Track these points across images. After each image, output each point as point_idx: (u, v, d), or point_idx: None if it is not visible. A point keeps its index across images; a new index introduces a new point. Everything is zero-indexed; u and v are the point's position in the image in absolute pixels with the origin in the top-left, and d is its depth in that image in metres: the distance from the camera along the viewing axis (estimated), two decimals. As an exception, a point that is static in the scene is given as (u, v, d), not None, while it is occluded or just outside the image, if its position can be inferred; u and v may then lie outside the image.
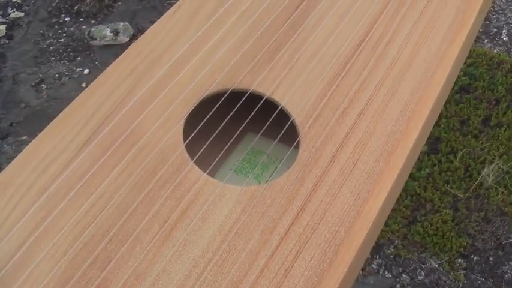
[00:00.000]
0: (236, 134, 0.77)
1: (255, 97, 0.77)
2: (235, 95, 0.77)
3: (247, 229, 0.65)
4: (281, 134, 0.75)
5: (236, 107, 0.76)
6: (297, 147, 0.72)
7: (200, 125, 0.75)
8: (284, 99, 0.76)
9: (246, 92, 0.77)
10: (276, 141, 0.76)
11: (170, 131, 0.74)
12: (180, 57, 0.81)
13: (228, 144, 0.77)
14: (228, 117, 0.76)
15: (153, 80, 0.79)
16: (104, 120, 0.75)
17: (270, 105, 0.76)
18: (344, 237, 0.64)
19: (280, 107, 0.76)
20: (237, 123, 0.78)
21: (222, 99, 0.77)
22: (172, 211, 0.67)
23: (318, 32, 0.84)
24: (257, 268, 0.63)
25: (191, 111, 0.76)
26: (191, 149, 0.73)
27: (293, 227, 0.65)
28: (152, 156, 0.71)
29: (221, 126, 0.76)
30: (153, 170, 0.70)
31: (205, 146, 0.73)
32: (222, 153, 0.77)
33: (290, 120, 0.74)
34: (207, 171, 0.71)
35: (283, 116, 0.75)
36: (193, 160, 0.71)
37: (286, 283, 0.61)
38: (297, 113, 0.75)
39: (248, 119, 0.76)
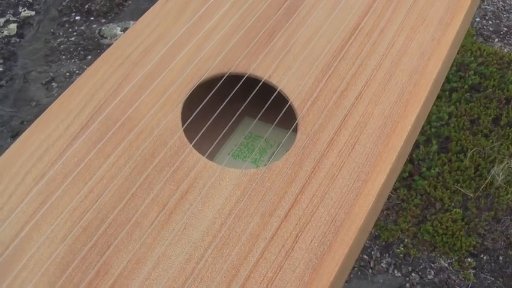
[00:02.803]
0: (234, 118, 0.77)
1: (252, 81, 0.77)
2: (233, 79, 0.78)
3: (247, 212, 0.65)
4: (279, 117, 0.75)
5: (233, 91, 0.76)
6: (295, 130, 0.72)
7: (198, 109, 0.75)
8: (281, 83, 0.76)
9: (243, 76, 0.77)
10: (273, 125, 0.76)
11: (168, 116, 0.74)
12: (175, 42, 0.82)
13: (225, 129, 0.77)
14: (226, 101, 0.76)
15: (148, 66, 0.79)
16: (100, 106, 0.75)
17: (267, 90, 0.76)
18: (344, 219, 0.64)
19: (277, 90, 0.76)
20: (235, 107, 0.78)
21: (219, 83, 0.77)
22: (172, 195, 0.67)
23: (313, 16, 0.84)
24: (257, 251, 0.62)
25: (189, 96, 0.76)
26: (189, 133, 0.73)
27: (293, 210, 0.65)
28: (150, 140, 0.71)
29: (219, 110, 0.76)
30: (151, 154, 0.70)
31: (203, 130, 0.74)
32: (220, 137, 0.77)
33: (288, 104, 0.74)
34: (205, 155, 0.71)
35: (281, 99, 0.75)
36: (192, 144, 0.71)
37: (287, 265, 0.61)
38: (294, 96, 0.75)
39: (245, 103, 0.77)
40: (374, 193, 0.66)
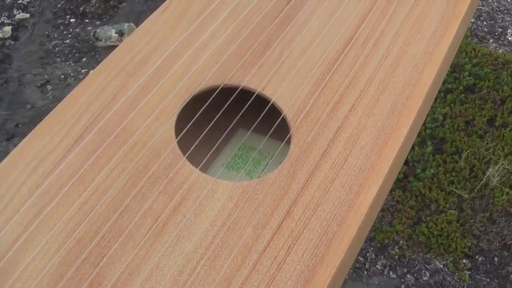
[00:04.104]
0: (228, 130, 0.78)
1: (246, 93, 0.78)
2: (227, 91, 0.78)
3: (239, 224, 0.66)
4: (272, 129, 0.76)
5: (227, 103, 0.77)
6: (288, 142, 0.73)
7: (192, 121, 0.75)
8: (275, 95, 0.77)
9: (237, 88, 0.78)
10: (267, 136, 0.77)
11: (162, 128, 0.74)
12: (170, 54, 0.82)
13: (219, 140, 0.78)
14: (220, 113, 0.77)
15: (143, 78, 0.79)
16: (95, 118, 0.75)
17: (261, 101, 0.77)
18: (336, 231, 0.65)
19: (271, 102, 0.76)
20: (229, 119, 0.78)
21: (213, 96, 0.77)
22: (165, 207, 0.67)
23: (308, 28, 0.85)
24: (250, 263, 0.63)
25: (183, 108, 0.76)
26: (183, 145, 0.73)
27: (285, 222, 0.66)
28: (144, 152, 0.72)
29: (212, 122, 0.76)
30: (145, 166, 0.70)
31: (197, 142, 0.74)
32: (213, 149, 0.77)
33: (281, 116, 0.75)
34: (199, 167, 0.71)
35: (275, 111, 0.76)
36: (185, 156, 0.71)
37: (279, 278, 0.62)
38: (288, 109, 0.75)
39: (239, 115, 0.77)
40: (367, 205, 0.67)
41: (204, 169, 0.73)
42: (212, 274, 0.62)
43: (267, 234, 0.65)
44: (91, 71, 0.77)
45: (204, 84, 0.78)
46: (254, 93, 0.77)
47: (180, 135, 0.74)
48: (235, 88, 0.78)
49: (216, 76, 0.79)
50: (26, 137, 0.74)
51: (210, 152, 0.76)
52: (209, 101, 0.77)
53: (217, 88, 0.78)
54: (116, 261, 0.63)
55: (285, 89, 0.77)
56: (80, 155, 0.72)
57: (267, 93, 0.77)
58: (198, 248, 0.64)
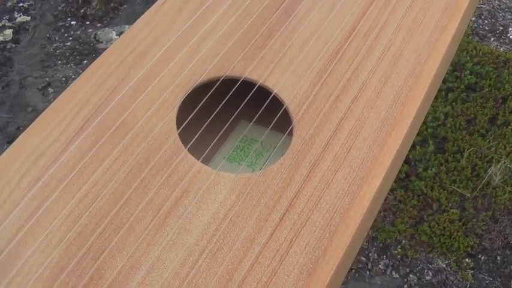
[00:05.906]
0: (229, 122, 0.77)
1: (248, 84, 0.77)
2: (228, 83, 0.77)
3: (241, 216, 0.65)
4: (274, 121, 0.75)
5: (229, 95, 0.76)
6: (290, 134, 0.72)
7: (193, 113, 0.75)
8: (277, 87, 0.76)
9: (239, 80, 0.77)
10: (269, 128, 0.76)
11: (163, 119, 0.74)
12: (171, 46, 0.81)
13: (221, 132, 0.77)
14: (221, 104, 0.76)
15: (143, 70, 0.79)
16: (95, 110, 0.75)
17: (263, 93, 0.76)
18: (339, 223, 0.64)
19: (272, 94, 0.76)
20: (230, 110, 0.78)
21: (215, 87, 0.77)
22: (166, 199, 0.66)
23: (310, 19, 0.84)
24: (252, 256, 0.62)
25: (184, 99, 0.76)
26: (184, 137, 0.73)
27: (288, 214, 0.65)
28: (145, 144, 0.71)
29: (214, 113, 0.76)
30: (146, 158, 0.70)
31: (198, 134, 0.73)
32: (215, 141, 0.76)
33: (283, 108, 0.74)
34: (201, 159, 0.70)
35: (277, 102, 0.75)
36: (187, 148, 0.71)
37: (281, 270, 0.61)
38: (290, 100, 0.75)
39: (241, 107, 0.77)
40: (369, 197, 0.66)
41: (206, 161, 0.72)
42: (214, 267, 0.62)
43: (269, 227, 0.64)
44: (90, 65, 0.77)
45: (205, 75, 0.78)
46: (256, 84, 0.77)
47: (181, 127, 0.73)
48: (237, 80, 0.77)
49: (217, 68, 0.79)
50: (25, 130, 0.73)
51: (212, 144, 0.75)
52: (210, 93, 0.77)
53: (219, 80, 0.77)
54: (117, 254, 0.63)
55: (287, 80, 0.77)
56: (81, 148, 0.71)
57: (269, 84, 0.76)
58: (199, 241, 0.63)
